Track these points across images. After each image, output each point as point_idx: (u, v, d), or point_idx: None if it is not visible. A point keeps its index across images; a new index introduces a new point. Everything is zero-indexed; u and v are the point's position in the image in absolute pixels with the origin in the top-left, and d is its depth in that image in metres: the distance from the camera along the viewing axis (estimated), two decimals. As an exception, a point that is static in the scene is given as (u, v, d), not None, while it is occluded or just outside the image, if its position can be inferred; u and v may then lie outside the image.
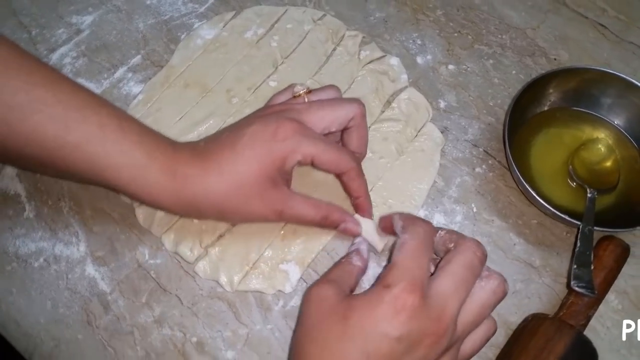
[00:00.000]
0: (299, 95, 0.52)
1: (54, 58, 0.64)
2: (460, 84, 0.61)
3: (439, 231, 0.44)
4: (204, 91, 0.61)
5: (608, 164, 0.54)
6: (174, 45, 0.65)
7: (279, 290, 0.52)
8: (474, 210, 0.55)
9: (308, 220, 0.50)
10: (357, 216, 0.52)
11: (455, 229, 0.54)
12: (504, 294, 0.42)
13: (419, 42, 0.63)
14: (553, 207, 0.50)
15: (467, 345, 0.42)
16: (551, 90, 0.57)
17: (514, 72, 0.61)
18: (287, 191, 0.49)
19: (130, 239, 0.55)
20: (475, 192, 0.56)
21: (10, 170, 0.59)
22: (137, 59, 0.64)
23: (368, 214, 0.52)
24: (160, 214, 0.55)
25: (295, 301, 0.51)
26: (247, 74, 0.62)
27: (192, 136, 0.58)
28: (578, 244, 0.48)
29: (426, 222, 0.44)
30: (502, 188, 0.56)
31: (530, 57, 0.62)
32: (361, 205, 0.52)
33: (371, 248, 0.51)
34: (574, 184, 0.54)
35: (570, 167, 0.54)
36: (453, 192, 0.56)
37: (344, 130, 0.52)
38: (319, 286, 0.42)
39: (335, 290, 0.41)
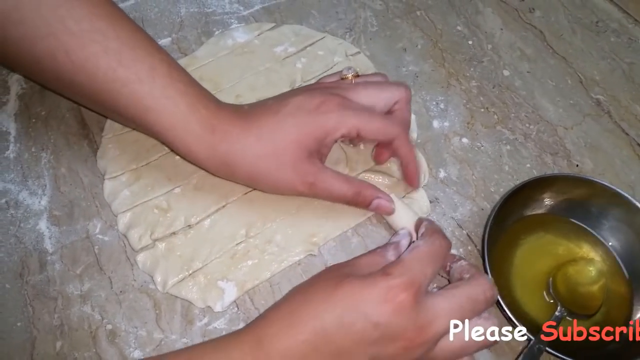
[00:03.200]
0: (346, 77, 0.53)
1: (92, 17, 0.65)
2: (468, 160, 0.58)
3: (461, 261, 0.46)
4: (215, 89, 0.60)
5: (593, 288, 0.50)
6: (205, 38, 0.65)
7: (208, 307, 0.49)
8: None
9: (340, 196, 0.49)
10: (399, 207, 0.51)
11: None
12: (494, 342, 0.42)
13: (442, 106, 0.61)
14: (517, 315, 0.46)
15: None
16: (552, 194, 0.53)
17: (528, 165, 0.58)
18: (320, 165, 0.49)
19: (89, 208, 0.54)
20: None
21: (10, 108, 0.60)
22: (166, 41, 0.65)
23: (416, 180, 0.54)
24: (126, 192, 0.54)
25: (220, 324, 0.49)
26: (262, 85, 0.61)
27: (186, 129, 0.57)
28: (520, 358, 0.44)
29: (446, 239, 0.45)
30: (472, 279, 0.52)
31: (552, 156, 0.58)
32: (411, 172, 0.53)
33: None
34: (549, 300, 0.49)
35: (551, 279, 0.50)
36: (420, 266, 0.52)
37: (387, 114, 0.52)
38: (341, 263, 0.44)
39: (349, 272, 0.42)
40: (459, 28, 0.67)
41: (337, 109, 0.48)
